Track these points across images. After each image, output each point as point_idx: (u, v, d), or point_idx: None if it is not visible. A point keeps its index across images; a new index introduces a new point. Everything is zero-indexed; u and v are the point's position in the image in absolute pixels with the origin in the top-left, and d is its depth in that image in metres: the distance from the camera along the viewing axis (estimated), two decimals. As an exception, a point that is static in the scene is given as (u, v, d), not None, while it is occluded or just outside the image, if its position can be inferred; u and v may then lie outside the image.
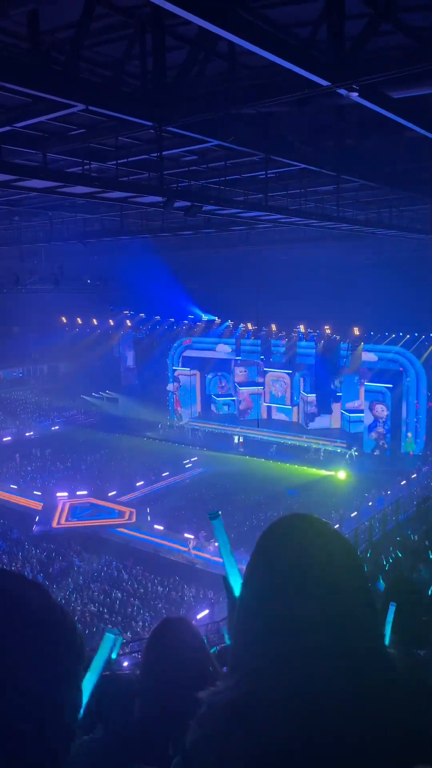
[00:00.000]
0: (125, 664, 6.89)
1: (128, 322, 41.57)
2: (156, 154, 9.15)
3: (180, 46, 6.14)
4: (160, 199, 10.86)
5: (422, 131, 7.15)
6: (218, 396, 37.68)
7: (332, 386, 34.05)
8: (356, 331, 32.69)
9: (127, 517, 25.62)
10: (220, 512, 1.63)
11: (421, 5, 5.60)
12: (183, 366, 38.63)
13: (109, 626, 1.77)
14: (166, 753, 1.43)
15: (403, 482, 26.17)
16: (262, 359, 36.38)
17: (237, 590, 1.52)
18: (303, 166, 9.68)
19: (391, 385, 31.44)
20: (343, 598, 1.02)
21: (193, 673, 1.76)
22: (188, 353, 38.51)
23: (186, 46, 6.01)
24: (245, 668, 1.05)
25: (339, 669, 0.99)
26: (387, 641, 2.58)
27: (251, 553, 1.12)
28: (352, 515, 23.13)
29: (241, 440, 34.28)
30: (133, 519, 25.35)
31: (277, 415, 36.22)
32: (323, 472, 29.82)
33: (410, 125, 6.81)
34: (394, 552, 13.46)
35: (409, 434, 31.22)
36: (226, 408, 37.44)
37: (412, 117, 6.75)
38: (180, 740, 1.07)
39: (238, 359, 37.20)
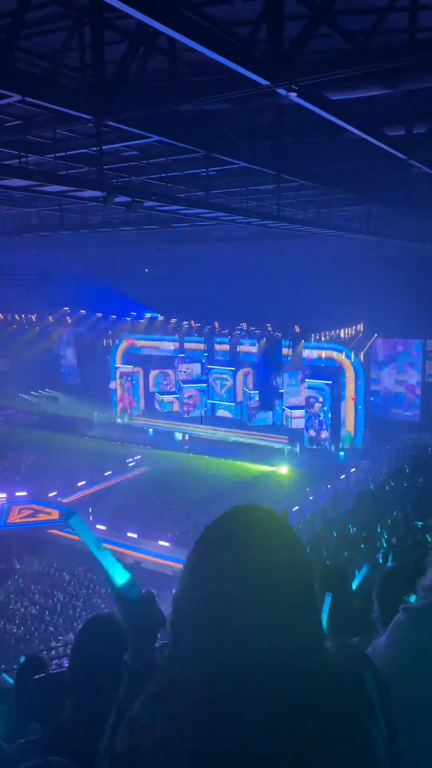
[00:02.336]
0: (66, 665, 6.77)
1: (68, 319, 40.82)
2: (96, 149, 9.03)
3: (120, 39, 6.08)
4: (100, 193, 10.72)
5: (359, 133, 7.33)
6: (162, 393, 37.55)
7: (274, 383, 34.50)
8: (297, 329, 33.22)
9: (69, 517, 25.15)
10: (75, 510, 1.58)
11: (358, 9, 5.75)
12: (126, 363, 38.27)
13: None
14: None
15: (343, 476, 26.80)
16: (206, 356, 36.47)
17: (116, 581, 1.49)
18: (243, 164, 9.75)
19: (330, 382, 32.12)
20: (284, 588, 1.02)
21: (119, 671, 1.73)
22: (131, 350, 38.18)
23: (126, 40, 5.96)
24: (179, 670, 1.02)
25: (278, 665, 0.99)
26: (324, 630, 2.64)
27: (195, 542, 1.11)
28: (294, 509, 23.49)
29: (187, 437, 34.26)
30: (75, 519, 24.93)
31: (221, 412, 36.40)
32: (266, 468, 30.19)
33: (347, 126, 6.97)
34: (335, 544, 13.76)
35: (348, 429, 32.00)
36: (170, 405, 37.35)
37: (350, 118, 6.91)
38: (108, 745, 1.03)
39: (181, 356, 37.16)
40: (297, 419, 32.90)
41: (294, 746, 0.96)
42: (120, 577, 1.47)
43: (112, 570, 1.50)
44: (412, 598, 1.79)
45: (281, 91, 5.16)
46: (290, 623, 1.02)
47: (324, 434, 32.18)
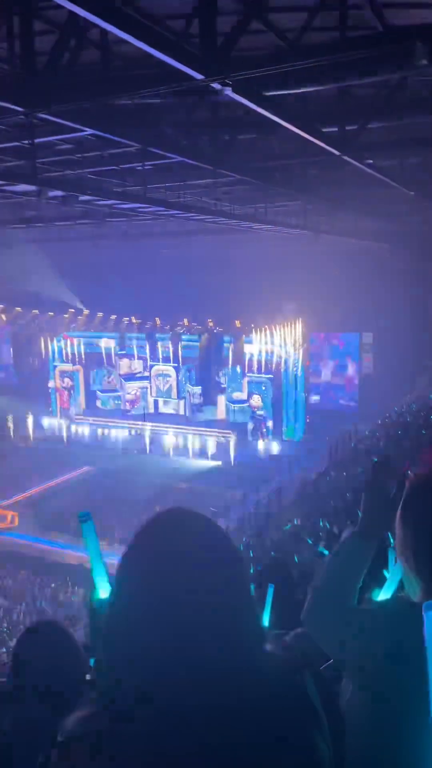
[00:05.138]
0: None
1: (3, 317, 39.69)
2: (28, 141, 8.80)
3: (51, 30, 5.94)
4: (33, 188, 10.47)
5: (293, 129, 7.43)
6: (103, 391, 37.08)
7: (216, 378, 34.67)
8: (238, 324, 33.46)
9: (9, 521, 24.58)
10: (91, 515, 1.57)
11: (288, 6, 5.82)
12: (65, 361, 37.57)
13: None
14: None
15: (286, 469, 27.21)
16: (147, 353, 36.25)
17: (99, 594, 1.50)
18: (180, 158, 9.72)
19: (271, 376, 32.55)
20: (216, 592, 1.00)
21: (65, 681, 1.64)
22: (70, 348, 37.49)
23: (56, 31, 5.82)
24: (113, 683, 0.98)
25: (216, 673, 0.96)
26: (266, 623, 2.67)
27: (124, 550, 1.09)
28: (237, 503, 23.71)
29: (132, 434, 34.03)
30: (16, 522, 24.38)
31: (163, 409, 36.29)
32: (210, 463, 30.33)
33: (282, 122, 7.05)
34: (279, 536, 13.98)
35: (290, 422, 32.51)
36: (111, 403, 36.94)
37: (284, 114, 6.99)
38: (44, 763, 0.99)
39: (122, 353, 36.79)
40: (240, 413, 33.21)
41: (235, 756, 0.93)
42: (105, 590, 1.48)
43: (100, 582, 1.49)
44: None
45: (216, 86, 5.16)
46: (227, 627, 1.00)
47: (265, 427, 32.56)
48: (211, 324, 34.51)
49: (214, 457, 30.78)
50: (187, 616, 0.97)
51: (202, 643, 0.97)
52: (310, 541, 11.92)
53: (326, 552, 5.91)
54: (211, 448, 31.61)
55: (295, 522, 15.17)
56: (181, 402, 35.84)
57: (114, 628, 1.03)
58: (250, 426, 32.78)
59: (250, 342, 33.40)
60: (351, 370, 34.20)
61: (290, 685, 1.06)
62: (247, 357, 33.47)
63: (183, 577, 1.00)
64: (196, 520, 1.10)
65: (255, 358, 33.18)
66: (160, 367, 36.13)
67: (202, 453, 31.54)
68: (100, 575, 1.49)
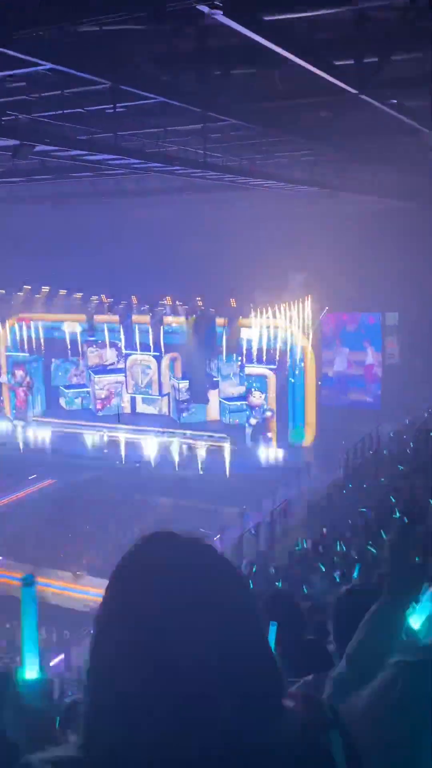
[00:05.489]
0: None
1: None
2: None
3: None
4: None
5: (300, 62, 7.40)
6: (68, 387, 36.99)
7: (207, 370, 34.67)
8: (233, 302, 33.46)
9: None
10: (35, 577, 1.61)
11: None
12: (19, 351, 37.43)
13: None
14: None
15: (294, 479, 27.27)
16: (121, 339, 36.17)
17: (24, 673, 1.52)
18: (161, 99, 9.67)
19: (275, 366, 32.57)
20: (224, 633, 1.00)
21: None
22: (26, 333, 37.35)
23: None
24: (97, 735, 0.99)
25: (226, 729, 0.96)
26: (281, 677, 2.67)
27: (110, 578, 1.08)
28: (236, 522, 23.76)
29: (104, 440, 34.00)
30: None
31: (143, 408, 36.25)
32: (200, 473, 30.36)
33: (286, 54, 7.01)
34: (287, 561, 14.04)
35: (298, 424, 32.56)
36: (78, 401, 36.87)
37: (289, 44, 6.95)
38: None
39: (91, 339, 36.71)
40: (236, 413, 33.25)
41: None
42: (31, 671, 1.48)
43: (29, 660, 1.50)
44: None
45: (203, 8, 5.12)
46: (239, 681, 0.99)
47: (269, 430, 32.65)
48: (200, 303, 34.46)
49: (205, 467, 30.83)
50: (188, 673, 0.96)
51: (208, 703, 0.97)
52: (323, 568, 11.98)
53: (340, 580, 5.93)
54: (202, 455, 31.68)
55: (305, 545, 15.25)
56: (164, 400, 35.82)
57: (100, 670, 1.03)
58: (249, 428, 32.84)
59: (248, 325, 33.46)
60: (371, 358, 34.33)
61: (314, 749, 1.06)
62: (245, 344, 33.52)
63: (179, 623, 0.99)
64: (190, 547, 1.09)
65: (255, 345, 33.23)
66: (137, 356, 36.07)
67: (191, 462, 31.58)
68: (30, 651, 1.51)
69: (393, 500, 13.77)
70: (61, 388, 37.10)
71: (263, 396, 32.87)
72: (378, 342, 33.99)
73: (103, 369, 36.58)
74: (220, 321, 34.24)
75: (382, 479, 18.17)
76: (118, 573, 1.08)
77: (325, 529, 15.88)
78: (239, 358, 33.82)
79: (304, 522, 19.31)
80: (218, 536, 21.17)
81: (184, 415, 34.68)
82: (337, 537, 13.99)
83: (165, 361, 35.61)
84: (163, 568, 1.04)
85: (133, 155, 13.05)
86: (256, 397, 33.00)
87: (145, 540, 1.11)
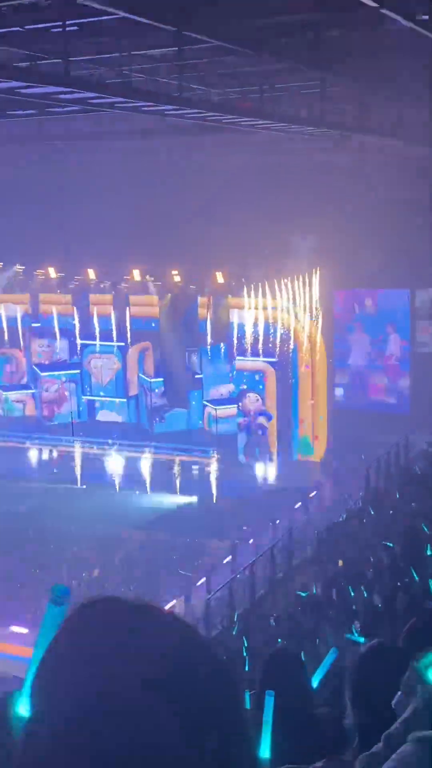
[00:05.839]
0: None
1: None
2: None
3: None
4: None
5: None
6: (5, 388, 36.91)
7: (188, 365, 34.64)
8: (220, 277, 33.41)
9: None
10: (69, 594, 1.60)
11: None
12: None
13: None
14: None
15: (298, 505, 27.31)
16: (76, 325, 36.10)
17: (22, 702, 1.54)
18: (122, 14, 9.63)
19: (274, 359, 32.54)
20: (182, 735, 1.00)
21: None
22: None
23: None
24: None
25: None
26: (266, 753, 2.64)
27: (42, 655, 1.08)
28: (225, 561, 23.77)
29: (54, 456, 33.96)
30: None
31: (104, 415, 36.21)
32: (180, 499, 30.33)
33: None
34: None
35: (305, 433, 32.55)
36: (20, 407, 36.79)
37: None
38: None
39: (36, 326, 36.62)
40: (226, 420, 33.18)
41: None
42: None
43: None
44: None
45: None
46: None
47: (268, 442, 32.62)
48: (176, 278, 34.35)
49: (185, 490, 30.81)
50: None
51: None
52: (337, 619, 11.99)
53: (362, 640, 5.93)
54: (182, 475, 31.67)
55: (314, 589, 15.31)
56: (132, 404, 35.79)
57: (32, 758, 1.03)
58: (243, 440, 32.81)
59: (239, 306, 33.41)
60: (395, 347, 34.34)
61: None
62: (236, 331, 33.46)
63: (126, 720, 0.98)
64: (139, 619, 1.07)
65: (249, 333, 33.20)
66: (96, 348, 36.06)
67: (168, 483, 31.55)
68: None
69: (426, 530, 13.82)
70: (-1, 390, 37.07)
71: (260, 398, 32.79)
72: (405, 327, 34.09)
73: (52, 365, 36.51)
74: (203, 301, 34.28)
75: (413, 504, 18.22)
76: (46, 658, 1.08)
77: (339, 568, 15.92)
78: (228, 350, 33.79)
79: (312, 559, 19.32)
80: (180, 600, 21.21)
81: (159, 423, 34.64)
82: (355, 578, 14.03)
83: (132, 353, 35.55)
84: (100, 648, 1.03)
85: (87, 88, 13.01)
86: (251, 400, 32.92)
87: (79, 613, 1.10)
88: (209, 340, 34.16)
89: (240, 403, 33.05)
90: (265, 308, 32.92)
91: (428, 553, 12.37)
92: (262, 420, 32.70)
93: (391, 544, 14.86)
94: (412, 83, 15.97)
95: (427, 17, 10.46)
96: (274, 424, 32.56)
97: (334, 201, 27.20)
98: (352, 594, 13.02)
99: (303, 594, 15.42)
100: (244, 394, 33.04)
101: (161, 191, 29.50)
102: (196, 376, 34.52)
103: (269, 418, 32.67)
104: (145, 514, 29.07)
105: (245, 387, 32.96)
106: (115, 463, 32.47)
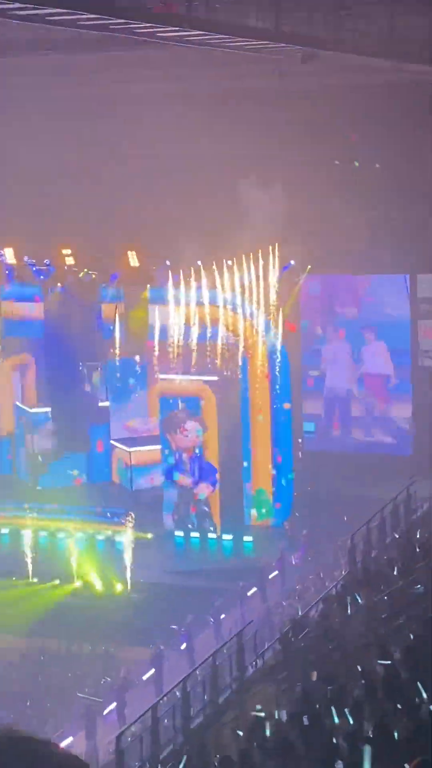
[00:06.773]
0: None
1: None
2: None
3: None
4: None
5: None
6: None
7: (88, 386, 34.56)
8: (132, 258, 33.28)
9: None
10: None
11: None
12: None
13: None
14: None
15: (252, 591, 27.35)
16: None
17: None
18: None
19: (215, 378, 32.47)
20: None
21: None
22: None
23: None
24: None
25: None
26: None
27: None
28: (145, 677, 23.70)
29: None
30: None
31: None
32: (79, 587, 30.19)
33: None
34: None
35: (260, 485, 32.56)
36: None
37: None
38: None
39: None
40: (145, 470, 33.08)
41: None
42: None
43: None
44: None
45: None
46: None
47: (207, 493, 32.42)
48: (69, 259, 34.19)
49: (87, 574, 30.64)
50: None
51: None
52: (311, 755, 12.03)
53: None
54: (81, 553, 31.50)
55: (276, 714, 15.24)
56: (4, 448, 35.57)
57: None
58: (172, 498, 32.64)
59: (162, 300, 33.34)
60: (386, 359, 34.34)
61: None
62: (158, 336, 33.30)
63: None
64: (27, 754, 1.19)
65: (176, 341, 33.17)
66: None
67: (59, 565, 31.38)
68: None
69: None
70: None
71: (197, 432, 32.62)
72: (399, 328, 34.08)
73: None
74: (109, 293, 34.18)
75: (419, 586, 18.31)
76: None
77: (313, 683, 15.87)
78: (146, 363, 33.76)
79: (273, 671, 19.29)
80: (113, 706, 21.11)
81: (44, 475, 34.52)
82: (336, 698, 13.99)
83: (4, 371, 35.38)
84: None
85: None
86: (185, 436, 32.60)
87: None
88: (118, 351, 33.99)
89: (168, 441, 32.86)
90: (200, 304, 32.97)
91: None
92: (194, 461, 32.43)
93: (395, 651, 14.88)
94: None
95: None
96: (215, 474, 32.47)
97: (298, 144, 27.34)
98: (336, 720, 12.95)
99: (261, 715, 15.03)
100: (174, 426, 32.82)
101: (43, 138, 29.48)
102: (100, 405, 34.44)
103: (211, 470, 32.63)
104: (26, 613, 28.86)
105: (174, 417, 32.82)
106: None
